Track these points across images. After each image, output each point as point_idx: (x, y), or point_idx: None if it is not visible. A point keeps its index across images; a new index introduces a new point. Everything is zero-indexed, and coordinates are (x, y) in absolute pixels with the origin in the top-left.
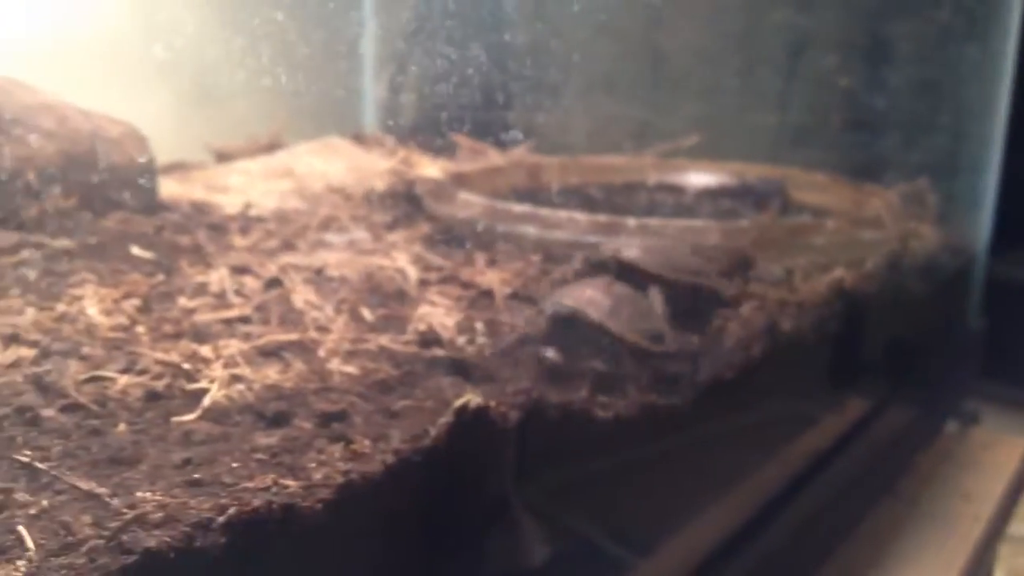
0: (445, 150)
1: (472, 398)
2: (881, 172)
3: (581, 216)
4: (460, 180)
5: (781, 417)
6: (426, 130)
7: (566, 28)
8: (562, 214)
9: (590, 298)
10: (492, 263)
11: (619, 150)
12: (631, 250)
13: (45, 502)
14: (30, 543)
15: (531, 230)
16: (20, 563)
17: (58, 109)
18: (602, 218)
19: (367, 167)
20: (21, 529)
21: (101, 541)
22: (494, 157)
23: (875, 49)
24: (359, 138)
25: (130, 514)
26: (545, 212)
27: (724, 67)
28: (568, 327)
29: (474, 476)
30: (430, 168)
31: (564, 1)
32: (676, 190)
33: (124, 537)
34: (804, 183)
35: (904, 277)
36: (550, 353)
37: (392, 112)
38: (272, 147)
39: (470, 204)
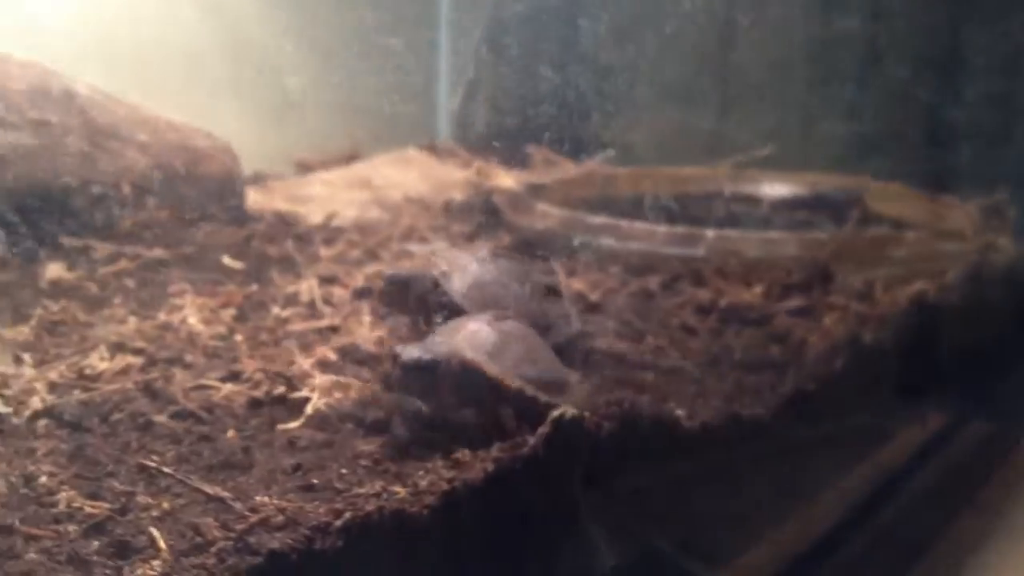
0: (518, 161)
1: (568, 409)
2: (955, 184)
3: (659, 228)
4: (536, 191)
5: (861, 429)
6: (499, 142)
7: (638, 40)
8: (640, 226)
9: (470, 337)
10: (571, 274)
11: (693, 161)
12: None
13: (167, 504)
14: (162, 544)
15: (610, 242)
16: (155, 563)
17: (152, 122)
18: (680, 230)
19: (442, 178)
20: (153, 531)
21: (229, 543)
22: (568, 168)
23: (950, 60)
24: (433, 149)
25: (254, 517)
26: (623, 224)
27: (796, 78)
28: (435, 373)
29: (561, 484)
30: (505, 179)
31: (636, 14)
32: (751, 201)
33: (250, 539)
34: (880, 194)
35: (984, 289)
36: (412, 404)
37: (465, 124)
38: (349, 159)
39: (548, 215)
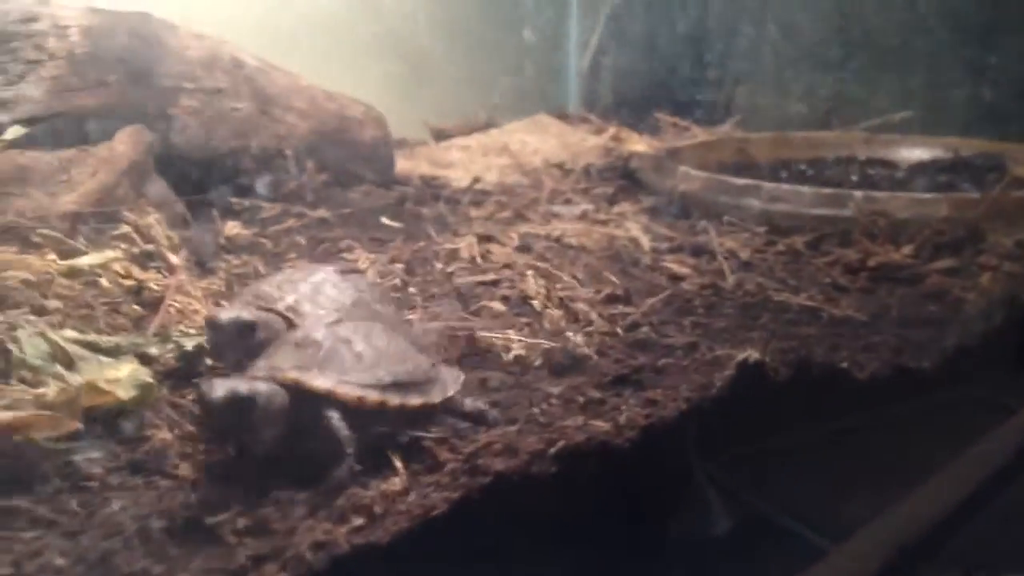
0: (646, 127)
1: (752, 353)
2: None
3: (805, 189)
4: (674, 155)
5: (1009, 390)
6: (627, 107)
7: (767, 5)
8: (785, 187)
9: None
10: (719, 234)
11: (827, 125)
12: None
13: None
14: (399, 466)
15: (754, 202)
16: (396, 480)
17: (309, 91)
18: (826, 191)
19: (577, 143)
20: (389, 451)
21: (459, 464)
22: (697, 134)
23: None
24: (565, 116)
25: (481, 442)
26: (768, 185)
27: (929, 40)
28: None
29: (744, 423)
30: (638, 144)
31: None
32: (888, 164)
33: (478, 462)
34: (1020, 157)
35: None
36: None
37: (594, 90)
38: (486, 125)
39: (690, 177)
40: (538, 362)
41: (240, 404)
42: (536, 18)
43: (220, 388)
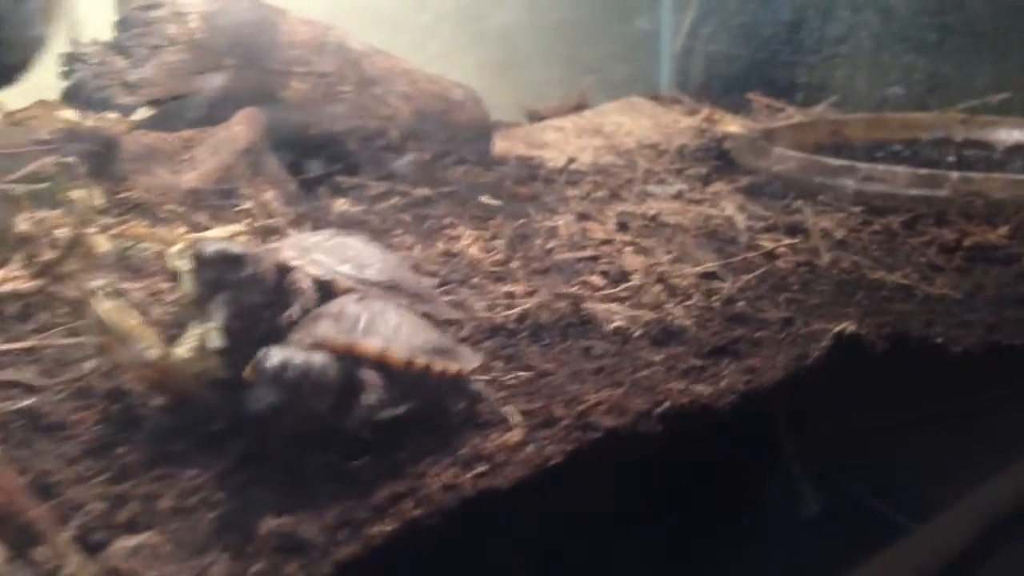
0: (739, 108)
1: (849, 325)
2: None
3: (901, 169)
4: (769, 136)
5: None
6: (721, 89)
7: None
8: (881, 167)
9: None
10: (814, 213)
11: (922, 106)
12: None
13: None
14: (517, 419)
15: (849, 183)
16: (513, 432)
17: (411, 74)
18: (922, 171)
19: (671, 124)
20: (507, 408)
21: (571, 420)
22: (791, 115)
23: None
24: (657, 97)
25: (591, 401)
26: (864, 165)
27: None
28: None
29: (839, 393)
30: (732, 125)
31: None
32: (985, 146)
33: (590, 419)
34: None
35: None
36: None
37: (687, 72)
38: (579, 107)
39: (785, 158)
40: (638, 333)
41: (296, 372)
42: (630, 2)
43: (276, 356)
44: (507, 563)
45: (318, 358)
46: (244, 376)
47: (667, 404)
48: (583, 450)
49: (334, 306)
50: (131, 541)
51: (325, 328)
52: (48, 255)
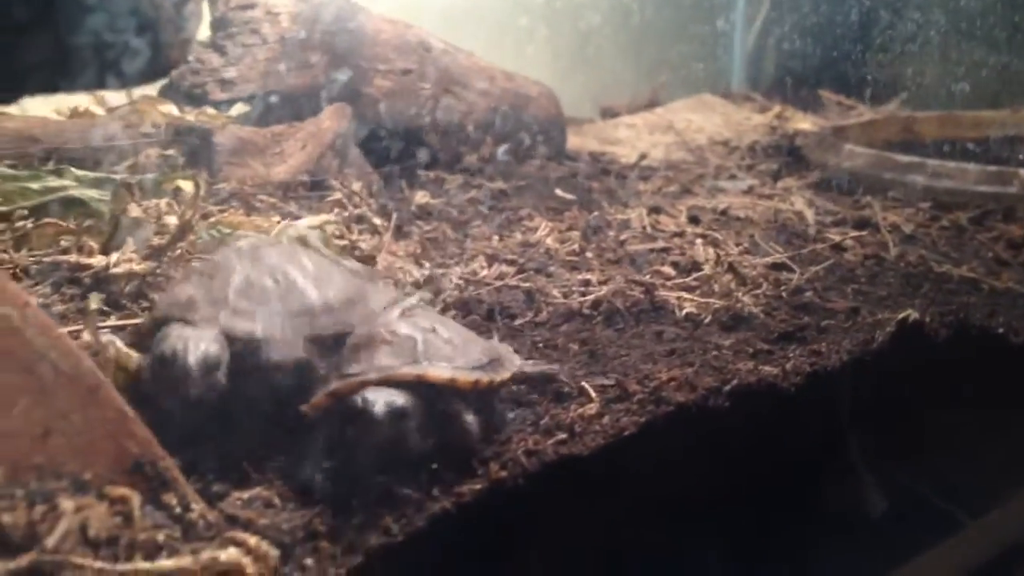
0: (810, 106)
1: (912, 313)
2: None
3: (970, 166)
4: (839, 133)
5: None
6: (792, 86)
7: None
8: (950, 164)
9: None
10: (883, 208)
11: (994, 104)
12: None
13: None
14: (593, 393)
15: (919, 179)
16: (590, 405)
17: (488, 71)
18: (992, 168)
19: (741, 122)
20: (585, 384)
21: (645, 395)
22: (862, 112)
23: None
24: (729, 95)
25: (664, 377)
26: (933, 162)
27: None
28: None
29: (905, 379)
30: (803, 123)
31: None
32: None
33: (662, 393)
34: None
35: None
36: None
37: (758, 70)
38: (650, 104)
39: (855, 154)
40: (708, 319)
41: (398, 414)
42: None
43: (381, 403)
44: (583, 523)
45: (409, 399)
46: (304, 411)
47: (735, 382)
48: (655, 422)
49: (382, 327)
50: (245, 494)
51: (386, 358)
52: (157, 240)
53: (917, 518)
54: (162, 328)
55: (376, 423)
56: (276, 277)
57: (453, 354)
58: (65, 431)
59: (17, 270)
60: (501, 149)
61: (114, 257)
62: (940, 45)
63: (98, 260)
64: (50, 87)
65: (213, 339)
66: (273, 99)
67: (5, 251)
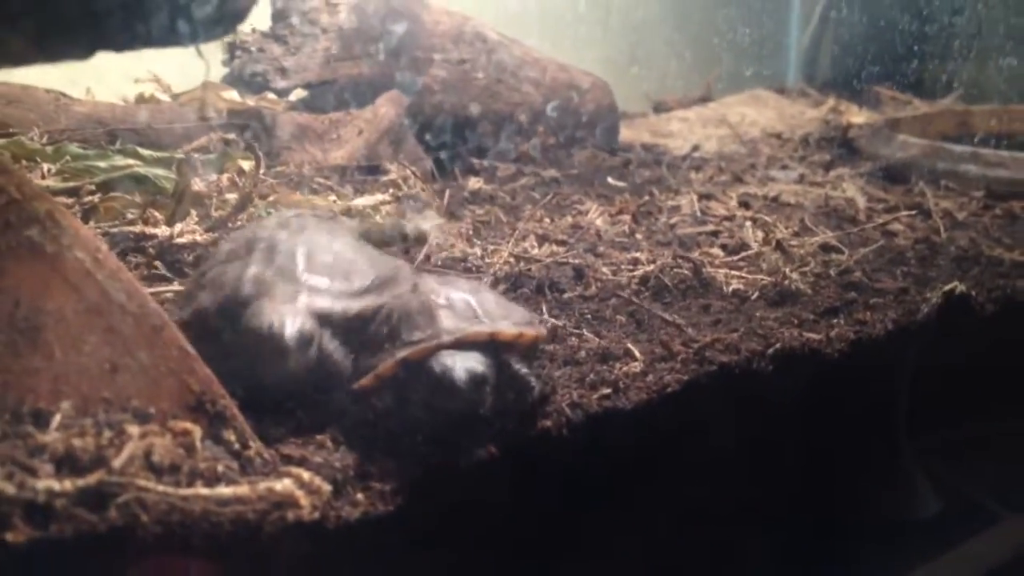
0: (866, 101)
1: (958, 285)
2: None
3: None
4: (894, 125)
5: None
6: (848, 82)
7: None
8: (1004, 153)
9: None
10: (935, 196)
11: None
12: None
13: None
14: (638, 354)
15: (972, 168)
16: (634, 364)
17: (542, 62)
18: None
19: (796, 115)
20: (630, 345)
21: (689, 355)
22: (921, 107)
23: None
24: (783, 90)
25: (708, 339)
26: (987, 151)
27: None
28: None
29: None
30: (858, 116)
31: None
32: None
33: (706, 354)
34: None
35: None
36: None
37: (812, 65)
38: (703, 99)
39: (908, 145)
40: (755, 295)
41: (479, 379)
42: None
43: (461, 369)
44: (624, 472)
45: (481, 362)
46: (364, 384)
47: (778, 345)
48: (698, 381)
49: (433, 294)
50: (301, 439)
51: (451, 320)
52: (219, 213)
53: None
54: (248, 303)
55: (457, 389)
56: (331, 253)
57: (505, 313)
58: (131, 368)
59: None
60: (553, 139)
61: (178, 228)
62: (998, 41)
63: (163, 231)
64: (124, 34)
65: (307, 315)
66: (331, 87)
67: None
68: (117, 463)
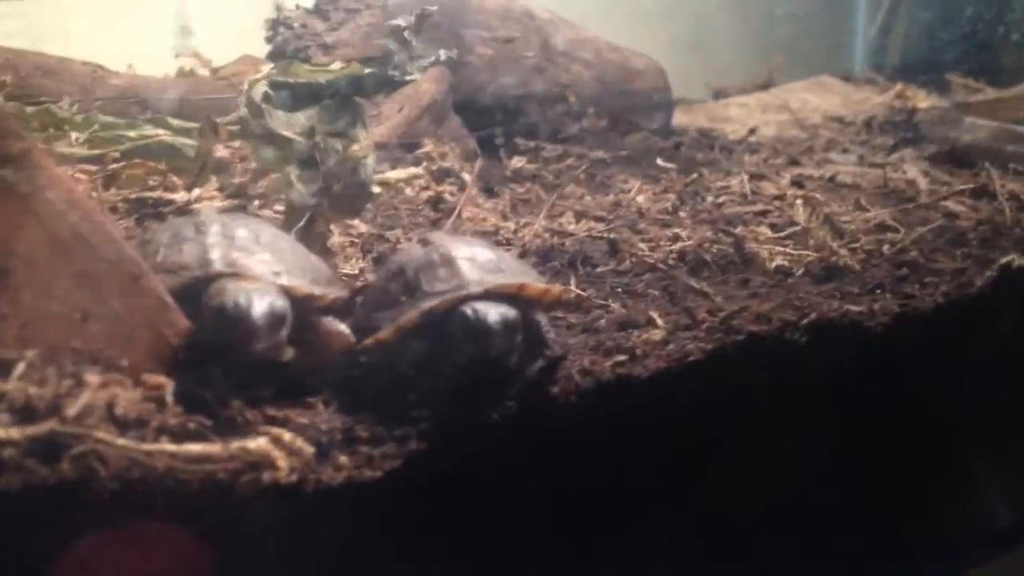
0: (936, 88)
1: (1016, 258)
2: None
3: None
4: (962, 109)
5: None
6: (917, 69)
7: None
8: None
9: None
10: (1001, 179)
11: None
12: None
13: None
14: (660, 322)
15: None
16: (656, 331)
17: (593, 42)
18: None
19: (860, 102)
20: (653, 313)
21: (715, 323)
22: (992, 94)
23: None
24: (849, 77)
25: (736, 307)
26: None
27: None
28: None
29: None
30: (925, 102)
31: None
32: None
33: (733, 323)
34: None
35: None
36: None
37: (881, 53)
38: (764, 86)
39: (976, 127)
40: (800, 271)
41: (512, 326)
42: None
43: (496, 313)
44: (635, 444)
45: (511, 310)
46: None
47: (814, 315)
48: (723, 350)
49: (454, 251)
50: (289, 401)
51: (477, 273)
52: (240, 179)
53: None
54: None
55: (494, 333)
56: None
57: (524, 270)
58: (104, 316)
59: (104, 207)
60: (604, 121)
61: (195, 192)
62: None
63: (181, 195)
64: None
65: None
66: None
67: (94, 190)
68: (71, 412)
